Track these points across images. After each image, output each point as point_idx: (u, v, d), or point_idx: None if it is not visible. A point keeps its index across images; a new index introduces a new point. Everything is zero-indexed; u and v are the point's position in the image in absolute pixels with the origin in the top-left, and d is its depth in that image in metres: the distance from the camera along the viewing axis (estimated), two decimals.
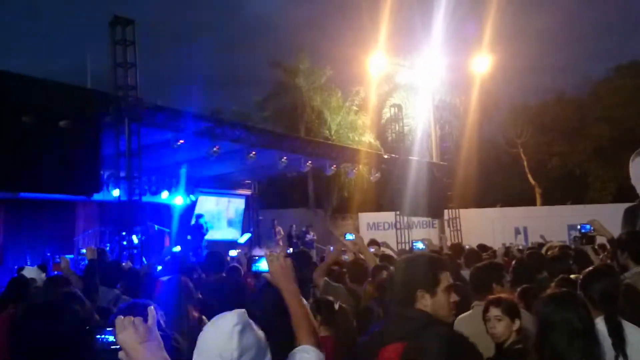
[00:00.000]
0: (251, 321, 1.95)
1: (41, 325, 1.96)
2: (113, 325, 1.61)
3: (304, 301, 2.34)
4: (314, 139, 18.77)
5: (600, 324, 2.87)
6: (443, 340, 2.33)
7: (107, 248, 12.42)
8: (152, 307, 1.66)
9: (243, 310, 1.95)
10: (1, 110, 7.58)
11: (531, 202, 29.27)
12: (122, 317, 1.54)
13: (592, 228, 5.99)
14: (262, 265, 2.37)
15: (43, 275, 6.02)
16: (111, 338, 1.57)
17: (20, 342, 2.02)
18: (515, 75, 30.39)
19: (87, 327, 2.09)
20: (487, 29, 24.49)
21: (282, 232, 18.70)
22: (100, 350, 1.58)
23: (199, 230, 16.04)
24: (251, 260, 2.47)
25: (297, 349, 2.21)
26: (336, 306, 4.10)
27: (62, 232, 15.91)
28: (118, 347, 1.53)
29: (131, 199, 10.44)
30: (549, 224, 18.61)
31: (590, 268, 3.47)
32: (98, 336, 1.60)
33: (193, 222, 16.28)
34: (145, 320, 1.56)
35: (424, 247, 6.81)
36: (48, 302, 2.10)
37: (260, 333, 1.97)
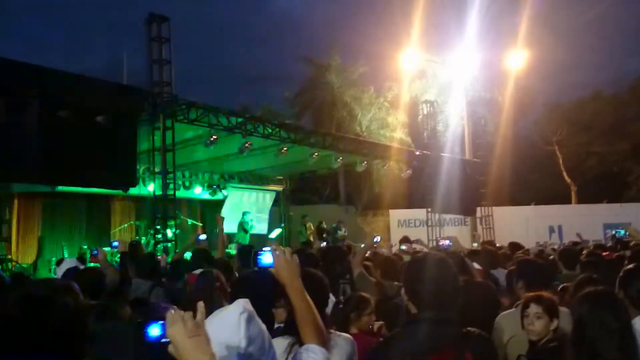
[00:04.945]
0: (254, 312, 1.91)
1: (31, 316, 1.93)
2: (155, 316, 1.61)
3: (308, 297, 2.27)
4: (345, 135, 18.67)
5: (638, 323, 2.81)
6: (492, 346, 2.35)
7: (143, 241, 12.64)
8: (201, 302, 1.66)
9: (246, 299, 1.92)
10: (39, 105, 7.73)
11: (566, 201, 28.72)
12: (173, 312, 1.55)
13: (627, 233, 5.89)
14: (266, 259, 2.29)
15: (82, 267, 6.15)
16: (159, 332, 1.58)
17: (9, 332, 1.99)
18: (552, 71, 29.87)
19: (81, 322, 2.07)
20: (523, 24, 24.09)
21: (312, 228, 18.71)
22: (149, 343, 1.59)
23: (243, 227, 16.17)
24: (256, 254, 2.40)
25: (302, 348, 2.16)
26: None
27: (98, 225, 16.26)
28: (167, 340, 1.54)
29: (165, 193, 10.60)
30: (584, 222, 18.27)
31: (631, 266, 3.39)
32: (147, 329, 1.61)
33: (241, 218, 16.33)
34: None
35: (450, 244, 6.76)
36: (40, 294, 2.08)
37: (264, 326, 1.93)
